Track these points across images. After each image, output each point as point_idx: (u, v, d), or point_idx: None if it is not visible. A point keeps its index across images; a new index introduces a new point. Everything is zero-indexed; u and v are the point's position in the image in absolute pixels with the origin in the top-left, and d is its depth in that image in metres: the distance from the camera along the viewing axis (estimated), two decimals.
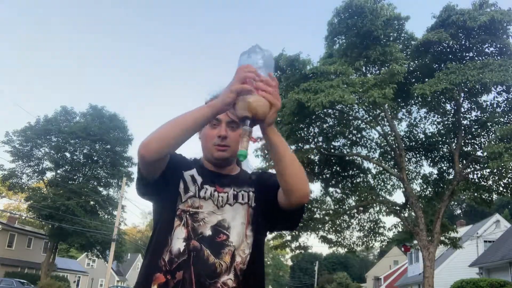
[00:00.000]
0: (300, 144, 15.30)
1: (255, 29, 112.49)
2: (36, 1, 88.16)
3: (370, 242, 18.13)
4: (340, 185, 17.01)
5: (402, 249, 29.07)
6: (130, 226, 53.75)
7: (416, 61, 15.31)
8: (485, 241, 25.52)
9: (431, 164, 16.50)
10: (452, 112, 15.63)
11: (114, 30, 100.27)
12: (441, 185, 16.10)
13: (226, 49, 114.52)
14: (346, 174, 16.82)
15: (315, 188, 21.47)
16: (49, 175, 32.91)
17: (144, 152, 1.28)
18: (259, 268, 1.45)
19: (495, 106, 14.80)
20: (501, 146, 11.68)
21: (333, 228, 17.50)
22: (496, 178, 14.90)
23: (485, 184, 15.50)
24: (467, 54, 14.51)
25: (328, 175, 16.78)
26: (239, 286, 1.35)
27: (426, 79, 13.45)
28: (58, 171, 32.88)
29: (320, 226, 16.85)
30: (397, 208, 16.02)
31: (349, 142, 16.65)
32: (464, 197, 20.98)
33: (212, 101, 1.34)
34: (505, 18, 13.15)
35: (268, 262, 73.51)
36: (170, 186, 1.45)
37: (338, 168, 16.70)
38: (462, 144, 15.03)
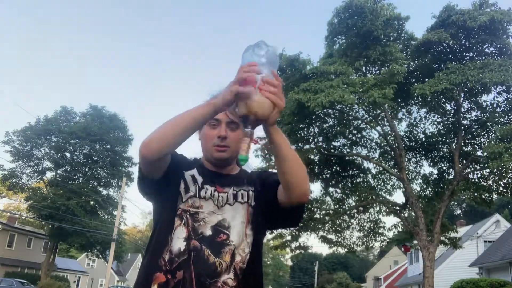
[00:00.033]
0: (300, 144, 15.30)
1: (255, 29, 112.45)
2: (36, 1, 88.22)
3: (370, 242, 18.13)
4: (340, 185, 17.01)
5: (402, 249, 29.07)
6: (130, 226, 53.79)
7: (416, 61, 15.31)
8: (485, 241, 25.52)
9: (431, 164, 16.51)
10: (452, 112, 15.63)
11: (114, 30, 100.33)
12: (441, 185, 16.10)
13: (226, 49, 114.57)
14: (346, 174, 16.82)
15: (315, 188, 21.47)
16: (49, 175, 32.96)
17: (145, 152, 1.28)
18: (258, 267, 1.45)
19: (495, 106, 14.80)
20: (501, 146, 11.68)
21: (333, 228, 17.50)
22: (496, 178, 14.90)
23: (485, 184, 15.50)
24: (467, 54, 14.51)
25: (328, 175, 16.78)
26: (239, 285, 1.35)
27: (426, 79, 13.45)
28: (58, 171, 32.89)
29: (320, 226, 16.85)
30: (397, 208, 16.02)
31: (349, 142, 16.65)
32: (464, 197, 20.98)
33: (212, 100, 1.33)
34: (505, 18, 13.15)
35: (268, 262, 73.53)
36: (171, 186, 1.45)
37: (338, 168, 16.70)
38: (462, 144, 15.03)
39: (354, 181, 16.94)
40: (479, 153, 15.16)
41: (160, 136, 1.28)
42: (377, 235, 17.93)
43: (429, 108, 15.42)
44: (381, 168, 16.42)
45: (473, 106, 15.43)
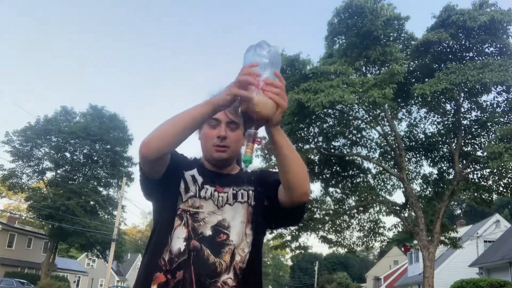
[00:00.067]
0: (300, 144, 15.30)
1: (255, 29, 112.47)
2: (36, 1, 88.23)
3: (370, 242, 18.13)
4: (340, 185, 17.01)
5: (402, 249, 29.07)
6: (130, 226, 53.81)
7: (416, 61, 15.31)
8: (485, 241, 25.52)
9: (431, 164, 16.51)
10: (452, 112, 15.63)
11: (114, 30, 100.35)
12: (441, 185, 16.11)
13: (226, 49, 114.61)
14: (346, 174, 16.82)
15: (315, 188, 21.46)
16: (49, 175, 32.96)
17: (145, 151, 1.28)
18: (257, 267, 1.45)
19: (495, 106, 14.80)
20: (501, 146, 11.68)
21: (333, 228, 17.49)
22: (496, 178, 14.91)
23: (485, 184, 15.50)
24: (467, 54, 14.51)
25: (328, 175, 16.78)
26: (238, 285, 1.35)
27: (426, 79, 13.45)
28: (58, 171, 32.89)
29: (320, 226, 16.85)
30: (397, 208, 16.02)
31: (349, 142, 16.65)
32: (464, 197, 20.98)
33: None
34: (505, 18, 13.15)
35: (268, 262, 73.51)
36: (171, 186, 1.45)
37: (338, 168, 16.70)
38: (462, 144, 15.04)
39: (354, 181, 16.94)
40: (479, 153, 15.16)
41: (159, 135, 1.28)
42: (377, 235, 17.93)
43: (429, 108, 15.42)
44: (381, 168, 16.42)
45: (473, 106, 15.43)
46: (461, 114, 15.21)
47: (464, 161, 15.22)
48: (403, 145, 15.69)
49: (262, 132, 1.27)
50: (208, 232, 1.39)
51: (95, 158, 33.27)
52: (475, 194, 16.02)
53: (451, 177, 15.64)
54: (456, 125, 15.19)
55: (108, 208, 33.65)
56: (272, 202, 1.44)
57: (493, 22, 13.06)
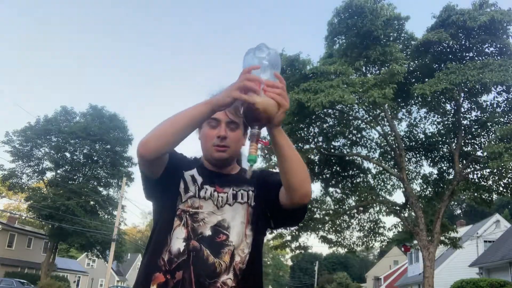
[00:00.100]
0: (300, 144, 15.30)
1: (255, 29, 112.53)
2: (36, 1, 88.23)
3: (370, 242, 18.13)
4: (340, 185, 17.01)
5: (402, 249, 29.07)
6: (130, 226, 53.82)
7: (416, 61, 15.31)
8: (485, 241, 25.52)
9: (431, 164, 16.51)
10: (452, 112, 15.63)
11: (114, 30, 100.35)
12: (441, 185, 16.10)
13: (226, 49, 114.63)
14: (346, 174, 16.82)
15: (315, 188, 21.44)
16: (49, 175, 32.96)
17: (143, 151, 1.28)
18: (257, 267, 1.45)
19: (495, 106, 14.80)
20: (501, 146, 11.68)
21: (333, 228, 17.49)
22: (496, 178, 14.90)
23: (485, 184, 15.50)
24: (467, 54, 14.51)
25: (328, 175, 16.78)
26: (238, 285, 1.35)
27: (426, 79, 13.45)
28: (58, 171, 32.89)
29: (320, 226, 16.85)
30: (397, 208, 16.02)
31: (349, 142, 16.65)
32: (464, 197, 20.98)
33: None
34: (505, 18, 13.15)
35: (268, 262, 73.52)
36: (171, 186, 1.45)
37: (338, 168, 16.70)
38: (462, 144, 15.03)
39: (354, 181, 16.93)
40: (479, 153, 15.16)
41: (158, 135, 1.28)
42: (377, 235, 17.93)
43: (429, 108, 15.42)
44: (381, 168, 16.42)
45: (473, 106, 15.43)
46: (461, 114, 15.21)
47: (464, 161, 15.22)
48: (403, 145, 15.69)
49: (263, 132, 1.28)
50: (208, 232, 1.39)
51: (95, 158, 33.27)
52: (475, 194, 16.02)
53: (451, 177, 15.64)
54: (456, 125, 15.19)
55: (108, 208, 33.65)
56: (272, 203, 1.43)
57: (493, 22, 13.06)
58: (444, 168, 16.35)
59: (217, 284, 1.32)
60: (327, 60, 14.35)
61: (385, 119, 15.64)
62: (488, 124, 14.55)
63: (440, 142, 16.10)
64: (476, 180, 15.49)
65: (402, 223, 16.37)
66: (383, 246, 26.67)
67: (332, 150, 16.34)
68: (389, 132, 15.88)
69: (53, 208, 28.17)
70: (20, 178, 31.53)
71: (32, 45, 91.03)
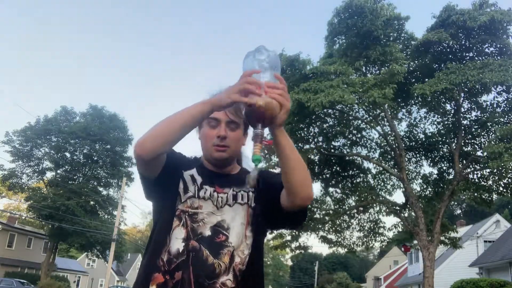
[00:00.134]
0: (300, 144, 15.30)
1: (255, 29, 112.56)
2: (36, 1, 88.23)
3: (370, 242, 18.13)
4: (340, 185, 17.01)
5: (402, 249, 29.07)
6: (130, 226, 53.82)
7: (416, 61, 15.31)
8: (485, 241, 25.52)
9: (431, 164, 16.51)
10: (452, 112, 15.63)
11: (114, 30, 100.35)
12: (441, 185, 16.10)
13: (226, 49, 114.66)
14: (346, 174, 16.81)
15: (315, 188, 21.44)
16: (49, 175, 32.97)
17: (140, 151, 1.28)
18: (258, 268, 1.44)
19: (495, 106, 14.80)
20: (501, 146, 11.68)
21: (333, 228, 17.49)
22: (496, 178, 14.91)
23: (485, 184, 15.50)
24: (467, 54, 14.51)
25: (328, 175, 16.78)
26: (237, 286, 1.34)
27: (426, 79, 13.45)
28: (58, 171, 32.89)
29: (320, 226, 16.85)
30: (397, 208, 16.02)
31: (349, 142, 16.65)
32: (464, 197, 20.99)
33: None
34: (505, 18, 13.15)
35: (268, 262, 73.52)
36: (170, 186, 1.44)
37: (338, 168, 16.70)
38: (462, 144, 15.03)
39: (354, 181, 16.93)
40: (479, 153, 15.16)
41: (155, 134, 1.27)
42: (377, 235, 17.93)
43: (429, 108, 15.42)
44: (381, 168, 16.42)
45: (473, 106, 15.43)
46: (461, 114, 15.21)
47: (464, 161, 15.22)
48: (403, 145, 15.69)
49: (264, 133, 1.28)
50: (207, 232, 1.38)
51: (95, 158, 33.28)
52: (475, 194, 16.02)
53: (451, 177, 15.64)
54: (456, 125, 15.19)
55: (108, 208, 33.66)
56: (273, 204, 1.42)
57: (493, 22, 13.06)
58: (444, 168, 16.36)
59: (216, 285, 1.31)
60: (327, 60, 14.35)
61: (385, 119, 15.64)
62: (488, 124, 14.55)
63: (440, 142, 16.10)
64: (476, 180, 15.49)
65: (402, 223, 16.37)
66: (383, 246, 26.67)
67: (332, 150, 16.34)
68: (389, 132, 15.88)
69: (53, 208, 28.17)
70: (20, 178, 31.55)
71: (32, 45, 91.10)
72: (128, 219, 46.84)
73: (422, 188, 16.90)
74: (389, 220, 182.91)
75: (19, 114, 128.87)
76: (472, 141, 15.70)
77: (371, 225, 17.78)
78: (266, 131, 1.25)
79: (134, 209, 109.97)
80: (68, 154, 33.14)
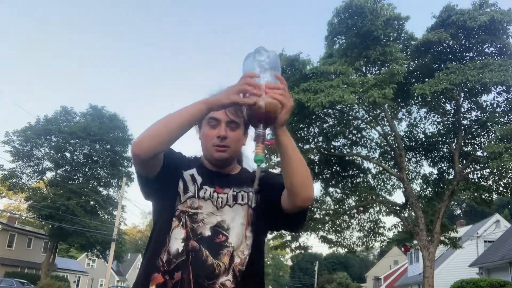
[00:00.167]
0: (300, 144, 15.29)
1: (255, 29, 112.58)
2: (36, 1, 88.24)
3: (370, 242, 18.12)
4: (340, 185, 17.01)
5: (402, 249, 29.07)
6: (130, 226, 53.83)
7: (416, 61, 15.31)
8: (485, 241, 25.52)
9: (431, 164, 16.50)
10: (452, 112, 15.63)
11: (114, 30, 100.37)
12: (441, 185, 16.10)
13: (226, 49, 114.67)
14: (346, 174, 16.81)
15: (315, 188, 21.46)
16: (49, 175, 32.96)
17: (137, 151, 1.27)
18: (258, 269, 1.44)
19: (495, 106, 14.80)
20: (501, 146, 11.68)
21: (333, 228, 17.49)
22: (496, 178, 14.90)
23: (485, 184, 15.50)
24: (467, 54, 14.51)
25: (328, 175, 16.77)
26: (237, 287, 1.34)
27: (426, 79, 13.45)
28: (58, 171, 32.89)
29: (320, 226, 16.85)
30: (397, 208, 16.02)
31: (349, 142, 16.65)
32: (464, 197, 20.99)
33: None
34: (505, 18, 13.15)
35: (268, 262, 73.50)
36: (170, 186, 1.44)
37: (338, 168, 16.70)
38: (462, 144, 15.03)
39: (354, 181, 16.93)
40: (479, 153, 15.16)
41: (152, 134, 1.27)
42: (377, 235, 17.93)
43: (429, 108, 15.42)
44: (381, 168, 16.42)
45: (473, 106, 15.43)
46: (461, 114, 15.21)
47: (464, 161, 15.22)
48: (403, 145, 15.69)
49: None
50: (207, 232, 1.38)
51: (95, 158, 33.27)
52: (475, 194, 16.02)
53: (451, 177, 15.64)
54: (456, 125, 15.19)
55: (108, 208, 33.65)
56: (273, 205, 1.42)
57: (493, 22, 13.06)
58: (444, 168, 16.36)
59: (215, 285, 1.31)
60: (327, 60, 14.34)
61: (385, 119, 15.63)
62: (488, 124, 14.55)
63: (440, 142, 16.10)
64: (476, 180, 15.49)
65: (402, 223, 16.37)
66: (383, 246, 26.65)
67: (332, 150, 16.34)
68: (389, 132, 15.88)
69: (53, 208, 28.17)
70: (20, 178, 31.55)
71: (32, 45, 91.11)
72: (128, 219, 46.91)
73: (422, 188, 16.90)
74: (389, 220, 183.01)
75: (19, 114, 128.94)
76: (472, 141, 15.70)
77: (371, 225, 17.78)
78: (267, 131, 1.25)
79: (134, 209, 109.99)
80: (68, 154, 33.14)
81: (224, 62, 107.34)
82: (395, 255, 49.63)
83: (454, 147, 14.98)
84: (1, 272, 30.56)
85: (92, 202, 31.43)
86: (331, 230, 17.50)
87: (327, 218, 16.92)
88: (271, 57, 1.23)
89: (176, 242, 1.36)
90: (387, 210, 16.68)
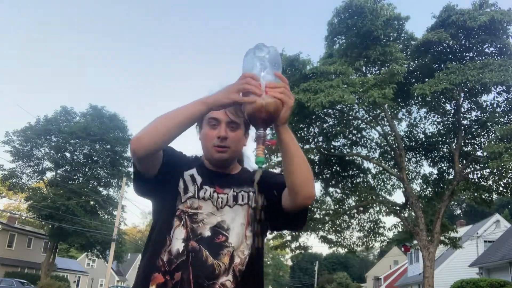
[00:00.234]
0: (300, 144, 15.20)
1: (255, 29, 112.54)
2: (36, 1, 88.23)
3: (370, 242, 18.12)
4: (340, 185, 17.01)
5: (402, 249, 29.06)
6: (130, 226, 53.80)
7: (416, 61, 15.30)
8: (485, 241, 25.52)
9: (431, 164, 16.50)
10: (452, 112, 15.63)
11: (114, 30, 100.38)
12: (441, 185, 16.10)
13: (226, 48, 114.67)
14: (346, 174, 16.81)
15: (315, 188, 21.44)
16: (49, 175, 32.95)
17: (136, 147, 1.27)
18: (258, 269, 1.44)
19: (495, 106, 14.80)
20: (501, 146, 11.67)
21: (333, 228, 17.49)
22: (496, 178, 14.90)
23: (485, 184, 15.50)
24: (467, 54, 14.51)
25: (328, 175, 16.77)
26: (237, 287, 1.34)
27: (426, 79, 13.45)
28: (58, 171, 32.88)
29: (320, 226, 16.84)
30: (397, 208, 16.01)
31: (349, 142, 16.65)
32: (464, 197, 20.98)
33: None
34: (505, 18, 13.15)
35: (268, 262, 73.49)
36: (170, 185, 1.43)
37: (338, 168, 16.70)
38: (462, 144, 15.03)
39: (354, 181, 16.93)
40: (479, 153, 15.16)
41: (151, 131, 1.26)
42: (377, 235, 17.93)
43: (429, 108, 15.42)
44: (381, 168, 16.42)
45: (473, 106, 15.43)
46: (461, 114, 15.20)
47: (464, 161, 15.22)
48: (403, 145, 15.69)
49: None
50: (207, 233, 1.37)
51: (95, 158, 33.26)
52: (475, 194, 16.01)
53: (451, 177, 15.64)
54: (456, 125, 15.18)
55: (108, 208, 33.65)
56: (273, 204, 1.42)
57: (493, 22, 13.05)
58: (444, 168, 16.36)
59: (215, 285, 1.31)
60: (327, 60, 14.34)
61: (385, 119, 15.63)
62: (488, 124, 14.54)
63: (440, 142, 16.10)
64: (476, 180, 15.49)
65: (402, 223, 16.37)
66: (383, 246, 26.66)
67: (332, 150, 16.33)
68: (389, 132, 15.88)
69: (53, 208, 28.16)
70: (20, 178, 31.54)
71: (32, 45, 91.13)
72: (128, 219, 46.92)
73: (422, 188, 16.90)
74: (389, 220, 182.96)
75: (19, 114, 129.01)
76: (472, 141, 15.70)
77: (371, 225, 17.77)
78: (268, 131, 1.25)
79: (134, 209, 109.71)
80: (68, 154, 33.14)
81: (224, 62, 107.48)
82: (395, 255, 49.62)
83: (454, 147, 14.98)
84: (1, 272, 30.56)
85: (92, 202, 31.42)
86: (331, 230, 17.50)
87: (327, 218, 16.91)
88: (271, 52, 1.22)
89: (177, 242, 1.36)
90: (387, 210, 16.68)
